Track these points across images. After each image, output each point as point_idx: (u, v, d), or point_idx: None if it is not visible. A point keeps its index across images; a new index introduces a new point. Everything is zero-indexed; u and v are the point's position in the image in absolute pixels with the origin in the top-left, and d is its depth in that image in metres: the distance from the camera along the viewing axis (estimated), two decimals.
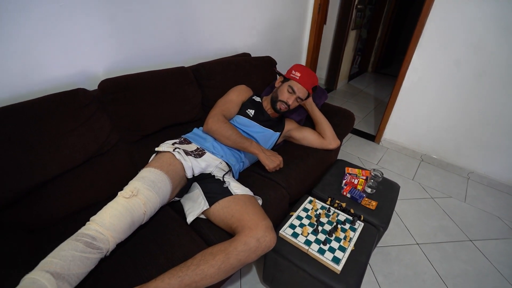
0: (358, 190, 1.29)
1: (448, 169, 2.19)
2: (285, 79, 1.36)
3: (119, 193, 0.87)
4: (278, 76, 1.44)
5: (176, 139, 1.20)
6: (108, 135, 1.12)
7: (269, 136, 1.37)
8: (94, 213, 0.80)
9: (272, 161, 1.20)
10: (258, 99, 1.42)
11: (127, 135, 1.20)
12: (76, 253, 0.69)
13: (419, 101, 2.17)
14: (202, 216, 1.03)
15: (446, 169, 2.20)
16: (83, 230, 0.75)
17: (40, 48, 1.02)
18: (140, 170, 0.99)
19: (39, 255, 0.69)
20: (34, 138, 0.90)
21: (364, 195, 1.26)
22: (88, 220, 0.78)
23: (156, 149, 1.10)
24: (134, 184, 0.89)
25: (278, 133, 1.41)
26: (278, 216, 1.17)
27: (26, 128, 0.89)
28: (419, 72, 2.09)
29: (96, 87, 1.13)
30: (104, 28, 1.18)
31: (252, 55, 1.85)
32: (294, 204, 1.22)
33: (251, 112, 1.34)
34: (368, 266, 1.37)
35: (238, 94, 1.35)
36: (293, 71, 1.34)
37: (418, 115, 2.22)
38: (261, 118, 1.36)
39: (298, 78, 1.31)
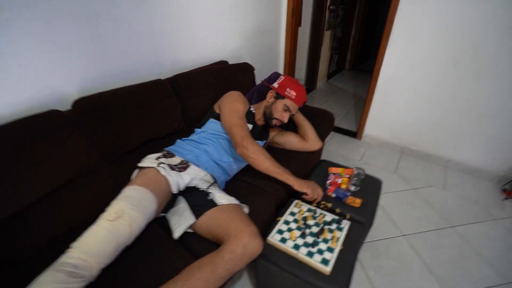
0: (343, 189, 1.31)
1: (428, 159, 2.28)
2: (279, 95, 1.36)
3: (102, 215, 0.85)
4: (269, 89, 1.43)
5: (159, 152, 1.19)
6: (88, 156, 1.09)
7: None
8: (77, 238, 0.78)
9: (308, 186, 1.13)
10: (253, 110, 1.40)
11: (108, 154, 1.17)
12: (58, 285, 0.66)
13: (395, 96, 2.25)
14: (189, 230, 1.02)
15: (425, 159, 2.29)
16: (64, 258, 0.72)
17: (6, 69, 0.98)
18: (123, 188, 0.96)
19: None
20: (6, 166, 0.86)
21: (349, 194, 1.29)
22: (70, 247, 0.76)
23: (139, 164, 1.07)
24: (118, 205, 0.87)
25: (264, 141, 1.42)
26: (266, 222, 1.18)
27: None
28: (393, 67, 2.16)
29: (69, 107, 1.10)
30: (74, 47, 1.14)
31: (230, 63, 1.86)
32: (281, 208, 1.23)
33: (249, 127, 1.31)
34: (359, 262, 1.40)
35: (243, 107, 1.26)
36: (287, 89, 1.34)
37: (395, 109, 2.29)
38: (255, 132, 1.35)
39: (294, 97, 1.33)
